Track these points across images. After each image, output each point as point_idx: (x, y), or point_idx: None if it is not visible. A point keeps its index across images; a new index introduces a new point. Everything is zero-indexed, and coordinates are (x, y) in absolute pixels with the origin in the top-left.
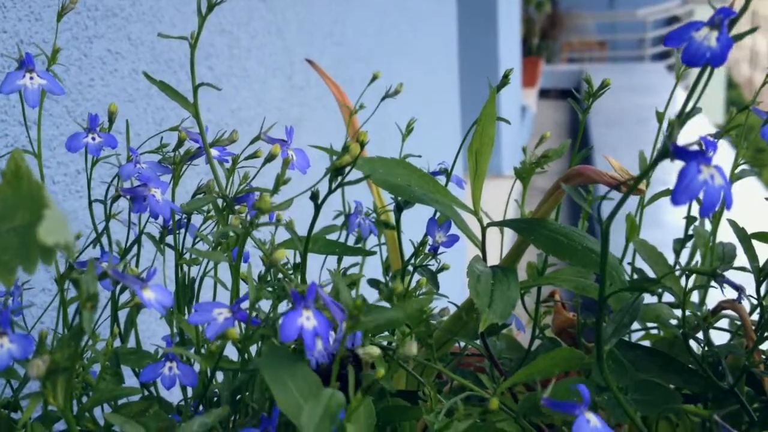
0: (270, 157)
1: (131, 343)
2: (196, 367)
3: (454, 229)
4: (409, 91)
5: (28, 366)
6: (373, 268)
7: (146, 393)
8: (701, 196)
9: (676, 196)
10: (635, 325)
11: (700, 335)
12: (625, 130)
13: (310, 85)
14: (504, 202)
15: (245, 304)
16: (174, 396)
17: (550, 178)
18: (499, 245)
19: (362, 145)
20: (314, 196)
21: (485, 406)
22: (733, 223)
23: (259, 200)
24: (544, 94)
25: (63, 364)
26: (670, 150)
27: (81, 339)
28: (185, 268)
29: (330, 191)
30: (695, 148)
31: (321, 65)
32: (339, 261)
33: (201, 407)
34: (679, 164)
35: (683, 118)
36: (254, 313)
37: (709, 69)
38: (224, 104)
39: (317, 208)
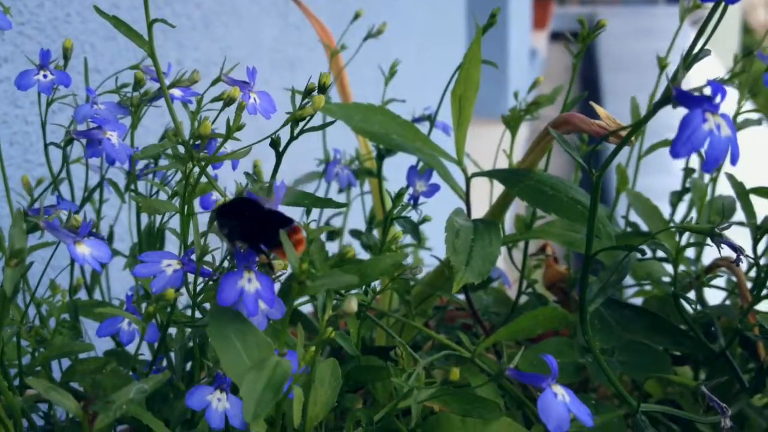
0: (229, 101)
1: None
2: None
3: (436, 178)
4: (412, 29)
5: None
6: (359, 216)
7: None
8: (704, 148)
9: (677, 147)
10: (629, 281)
11: (693, 294)
12: (636, 74)
13: (307, 25)
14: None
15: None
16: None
17: None
18: (488, 195)
19: (323, 88)
20: (274, 144)
21: (448, 374)
22: (731, 177)
23: (200, 126)
24: (555, 37)
25: None
26: (672, 95)
27: (7, 301)
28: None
29: (292, 138)
30: (701, 93)
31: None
32: (308, 212)
33: (164, 362)
34: (682, 111)
35: (690, 59)
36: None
37: (720, 8)
38: (214, 43)
39: (278, 156)
